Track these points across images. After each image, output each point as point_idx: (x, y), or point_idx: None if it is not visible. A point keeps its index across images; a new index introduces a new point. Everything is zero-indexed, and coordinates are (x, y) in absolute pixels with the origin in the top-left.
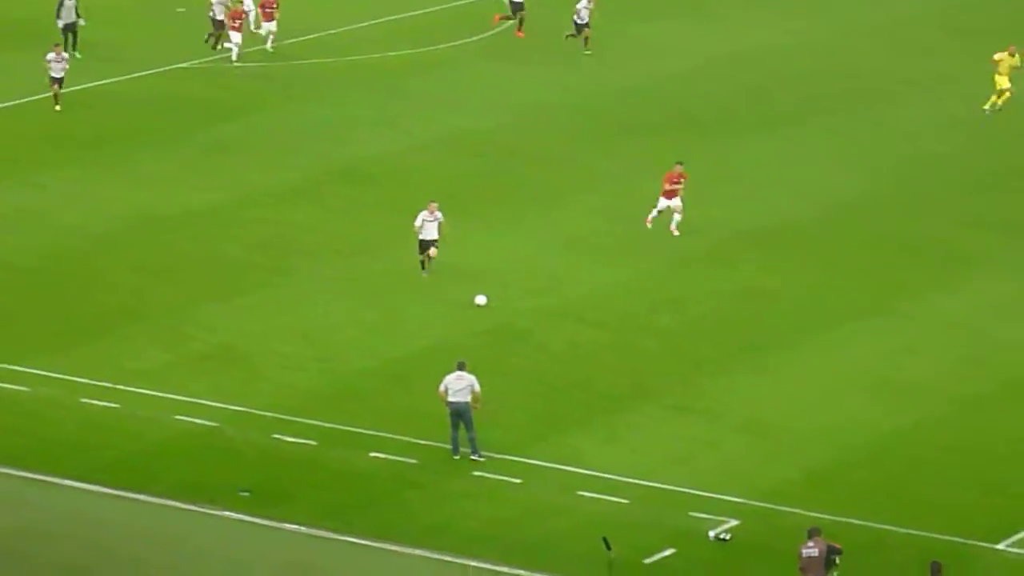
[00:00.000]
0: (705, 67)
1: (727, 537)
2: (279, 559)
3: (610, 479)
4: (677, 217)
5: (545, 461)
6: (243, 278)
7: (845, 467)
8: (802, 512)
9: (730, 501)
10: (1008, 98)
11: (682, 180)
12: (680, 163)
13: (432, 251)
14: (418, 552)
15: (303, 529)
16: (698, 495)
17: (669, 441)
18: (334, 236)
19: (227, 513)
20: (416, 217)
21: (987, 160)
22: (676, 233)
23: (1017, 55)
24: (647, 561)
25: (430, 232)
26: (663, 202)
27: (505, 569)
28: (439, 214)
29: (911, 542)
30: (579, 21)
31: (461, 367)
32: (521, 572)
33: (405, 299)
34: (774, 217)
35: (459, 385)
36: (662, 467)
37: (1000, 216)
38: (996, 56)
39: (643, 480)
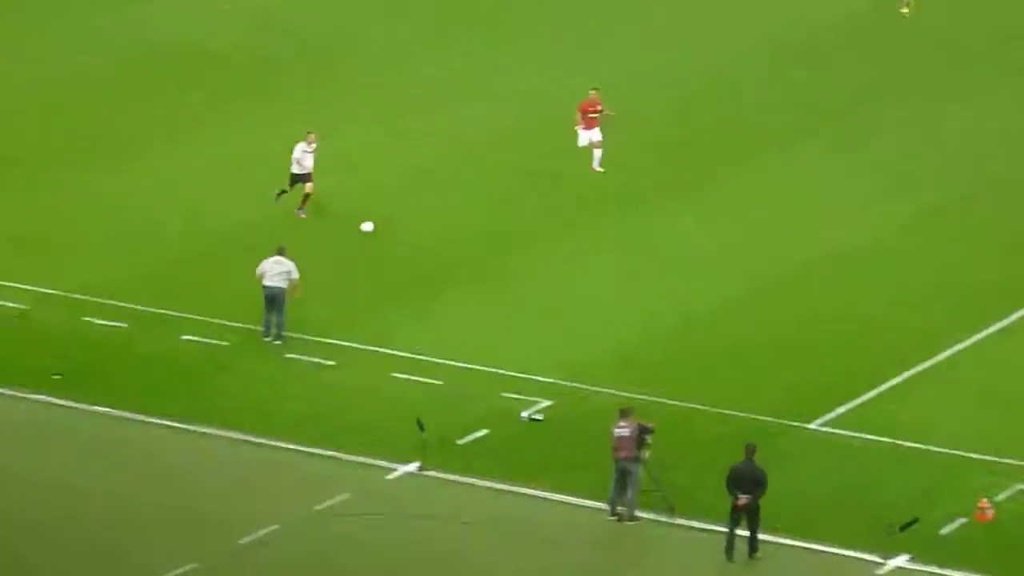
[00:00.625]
0: None
1: (539, 417)
2: (89, 436)
3: (423, 360)
4: (597, 153)
5: (358, 343)
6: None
7: (655, 345)
8: (614, 391)
9: (542, 381)
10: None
11: (599, 108)
12: (596, 88)
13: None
14: (230, 435)
15: (113, 411)
16: (510, 375)
17: (481, 322)
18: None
19: (38, 396)
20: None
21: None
22: (600, 170)
23: None
24: (460, 442)
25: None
26: (583, 136)
27: (319, 451)
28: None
29: (723, 420)
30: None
31: (280, 252)
32: (337, 454)
33: (221, 179)
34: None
35: (276, 270)
36: (475, 348)
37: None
38: None
39: (456, 361)
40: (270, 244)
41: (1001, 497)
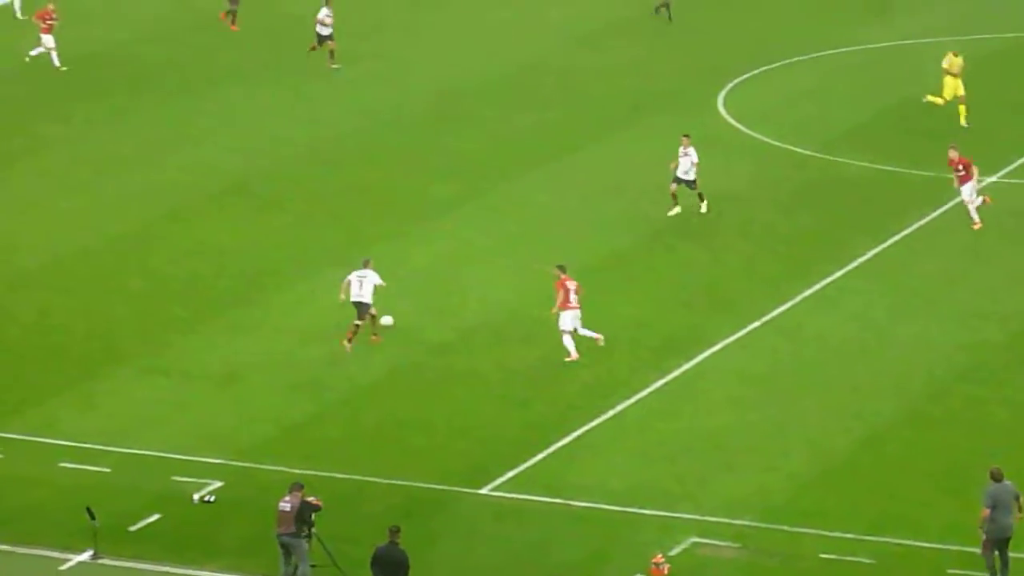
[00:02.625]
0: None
1: (211, 499)
2: None
3: (89, 448)
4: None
5: (21, 433)
6: None
7: (323, 420)
8: (284, 468)
9: (212, 462)
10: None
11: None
12: None
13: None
14: None
15: None
16: (178, 458)
17: (145, 405)
18: None
19: None
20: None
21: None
22: None
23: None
24: (132, 528)
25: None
26: None
27: None
28: None
29: (395, 491)
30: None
31: None
32: (7, 547)
33: None
34: (234, 176)
35: None
36: (141, 432)
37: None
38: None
39: (123, 447)
40: None
41: (675, 552)
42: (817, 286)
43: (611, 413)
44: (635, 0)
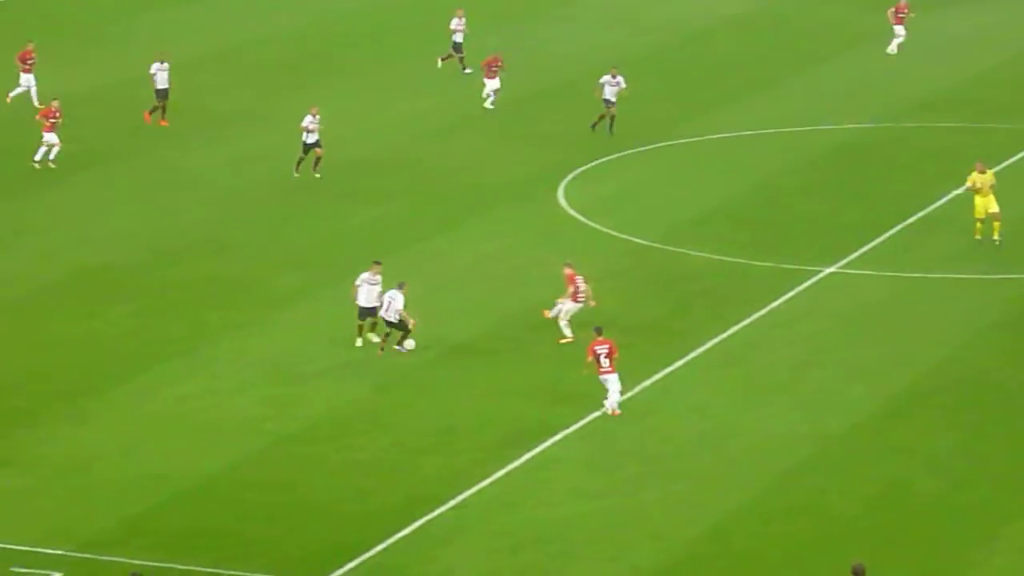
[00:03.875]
0: None
1: None
2: None
3: None
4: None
5: None
6: None
7: (164, 511)
8: (124, 560)
9: (52, 554)
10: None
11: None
12: None
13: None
14: None
15: None
16: (20, 550)
17: None
18: None
19: None
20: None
21: (284, 203)
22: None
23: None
24: None
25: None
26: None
27: None
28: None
29: None
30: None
31: None
32: None
33: None
34: (76, 266)
35: None
36: None
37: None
38: (972, 179)
39: None
40: None
41: None
42: (659, 376)
43: (453, 503)
44: (477, 94)
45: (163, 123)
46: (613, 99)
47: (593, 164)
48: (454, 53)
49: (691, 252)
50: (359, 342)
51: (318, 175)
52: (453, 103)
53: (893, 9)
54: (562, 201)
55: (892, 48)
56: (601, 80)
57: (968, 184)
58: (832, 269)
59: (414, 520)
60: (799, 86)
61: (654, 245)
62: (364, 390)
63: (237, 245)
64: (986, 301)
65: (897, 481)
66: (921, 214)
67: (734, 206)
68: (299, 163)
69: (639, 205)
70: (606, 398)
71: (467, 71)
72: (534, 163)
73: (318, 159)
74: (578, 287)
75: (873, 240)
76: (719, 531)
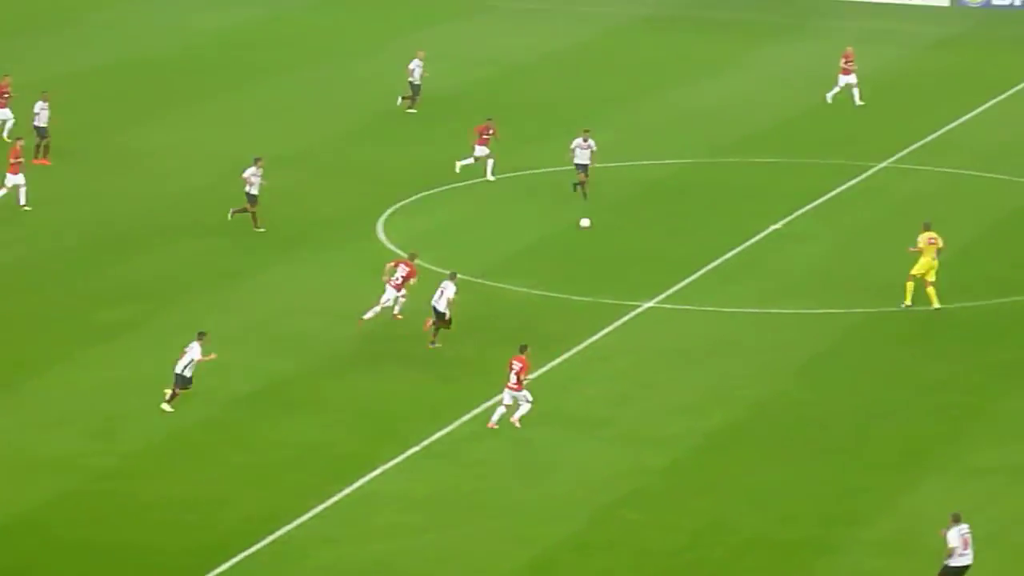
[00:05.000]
0: None
1: None
2: None
3: None
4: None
5: None
6: None
7: None
8: None
9: None
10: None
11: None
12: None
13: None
14: None
15: None
16: None
17: None
18: None
19: None
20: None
21: (108, 237)
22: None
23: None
24: None
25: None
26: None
27: None
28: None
29: None
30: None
31: None
32: None
33: None
34: None
35: None
36: None
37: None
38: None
39: None
40: None
41: None
42: (478, 410)
43: (273, 538)
44: (298, 131)
45: (45, 162)
46: (586, 162)
47: (413, 199)
48: (411, 93)
49: (511, 287)
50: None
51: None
52: (275, 138)
53: (843, 57)
54: (382, 236)
55: (829, 97)
56: (572, 144)
57: (919, 246)
58: (651, 304)
59: (233, 556)
60: (621, 121)
61: (475, 280)
62: (186, 424)
63: (57, 278)
64: (805, 335)
65: (718, 516)
66: (739, 249)
67: (553, 241)
68: (244, 213)
69: (459, 240)
70: (495, 413)
71: (410, 111)
72: (354, 198)
73: (245, 211)
74: (406, 279)
75: (692, 275)
76: (540, 565)
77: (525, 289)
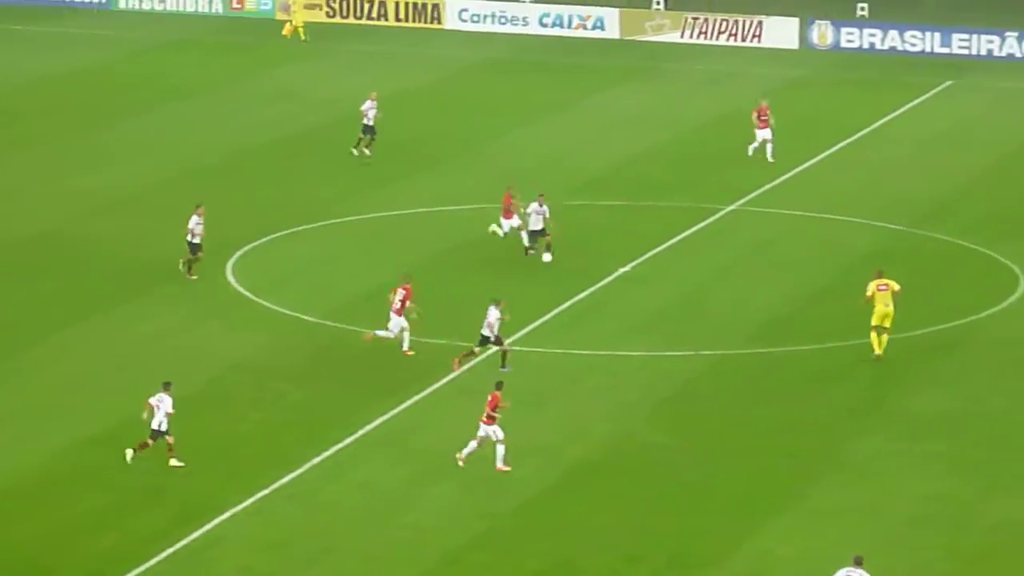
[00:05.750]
0: None
1: None
2: None
3: None
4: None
5: None
6: None
7: None
8: None
9: None
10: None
11: None
12: None
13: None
14: None
15: None
16: None
17: None
18: None
19: None
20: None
21: None
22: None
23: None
24: None
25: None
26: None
27: None
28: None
29: None
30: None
31: None
32: None
33: None
34: None
35: None
36: None
37: None
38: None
39: None
40: None
41: None
42: (328, 453)
43: None
44: (144, 172)
45: None
46: (539, 227)
47: (261, 241)
48: (362, 135)
49: (359, 329)
50: None
51: (193, 277)
52: (121, 180)
53: (756, 112)
54: (230, 278)
55: (750, 150)
56: (528, 209)
57: (867, 294)
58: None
59: None
60: (466, 164)
61: (323, 322)
62: (32, 465)
63: None
64: (655, 376)
65: (564, 557)
66: (589, 292)
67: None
68: (187, 264)
69: (307, 282)
70: (464, 448)
71: (356, 151)
72: (204, 239)
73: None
74: (403, 302)
75: (542, 317)
76: None
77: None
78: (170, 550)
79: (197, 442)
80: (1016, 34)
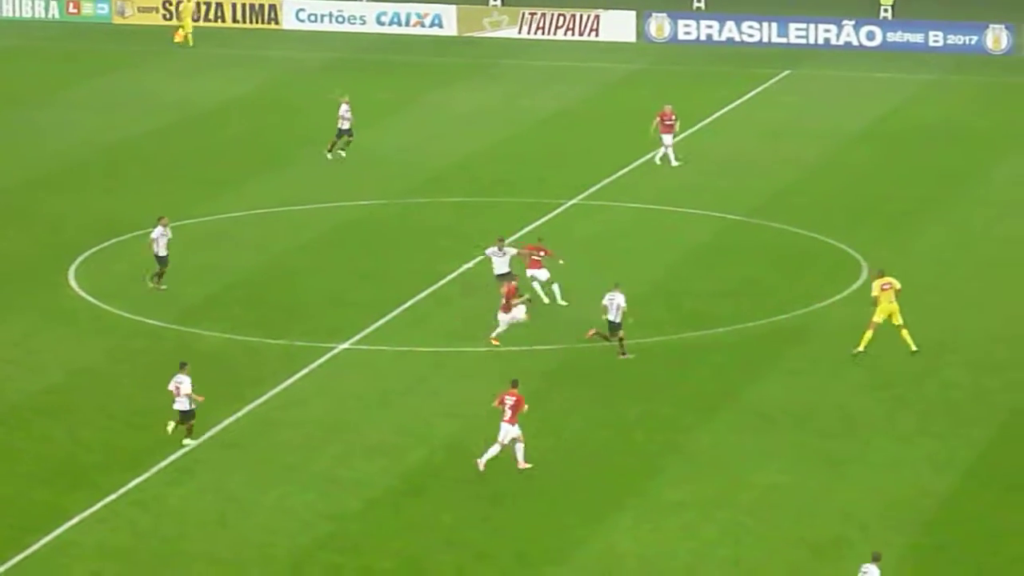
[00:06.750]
0: None
1: None
2: None
3: None
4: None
5: None
6: None
7: None
8: None
9: None
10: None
11: None
12: None
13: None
14: None
15: None
16: None
17: None
18: None
19: None
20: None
21: None
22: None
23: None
24: None
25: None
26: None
27: None
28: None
29: None
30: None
31: None
32: None
33: None
34: None
35: None
36: None
37: None
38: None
39: None
40: None
41: None
42: (174, 457)
43: None
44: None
45: None
46: (505, 270)
47: (104, 246)
48: (337, 139)
49: (205, 332)
50: None
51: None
52: None
53: (658, 119)
54: (73, 284)
55: (657, 159)
56: (488, 251)
57: (874, 294)
58: (345, 346)
59: None
60: (309, 163)
61: (168, 326)
62: None
63: None
64: (502, 373)
65: (414, 556)
66: (431, 289)
67: (246, 285)
68: (155, 277)
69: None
70: (486, 451)
71: (331, 154)
72: (44, 246)
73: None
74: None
75: (386, 316)
76: None
77: (218, 334)
78: (18, 557)
79: (40, 449)
80: (853, 23)
